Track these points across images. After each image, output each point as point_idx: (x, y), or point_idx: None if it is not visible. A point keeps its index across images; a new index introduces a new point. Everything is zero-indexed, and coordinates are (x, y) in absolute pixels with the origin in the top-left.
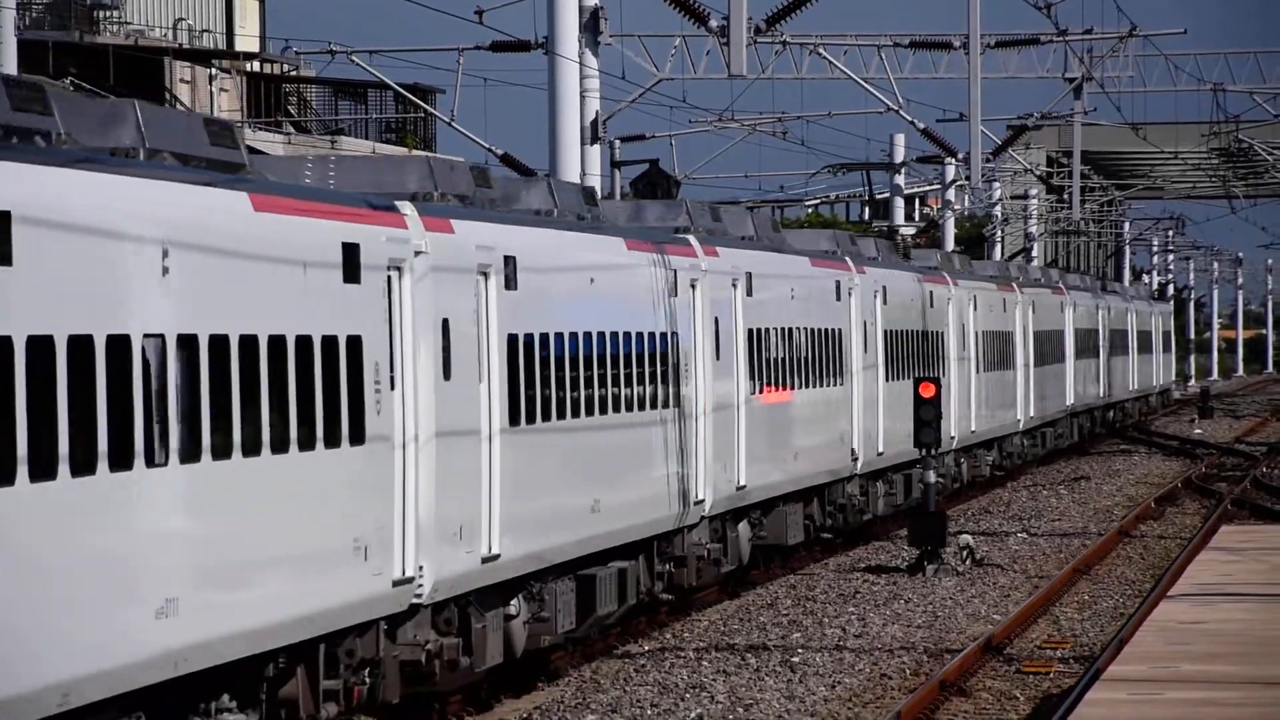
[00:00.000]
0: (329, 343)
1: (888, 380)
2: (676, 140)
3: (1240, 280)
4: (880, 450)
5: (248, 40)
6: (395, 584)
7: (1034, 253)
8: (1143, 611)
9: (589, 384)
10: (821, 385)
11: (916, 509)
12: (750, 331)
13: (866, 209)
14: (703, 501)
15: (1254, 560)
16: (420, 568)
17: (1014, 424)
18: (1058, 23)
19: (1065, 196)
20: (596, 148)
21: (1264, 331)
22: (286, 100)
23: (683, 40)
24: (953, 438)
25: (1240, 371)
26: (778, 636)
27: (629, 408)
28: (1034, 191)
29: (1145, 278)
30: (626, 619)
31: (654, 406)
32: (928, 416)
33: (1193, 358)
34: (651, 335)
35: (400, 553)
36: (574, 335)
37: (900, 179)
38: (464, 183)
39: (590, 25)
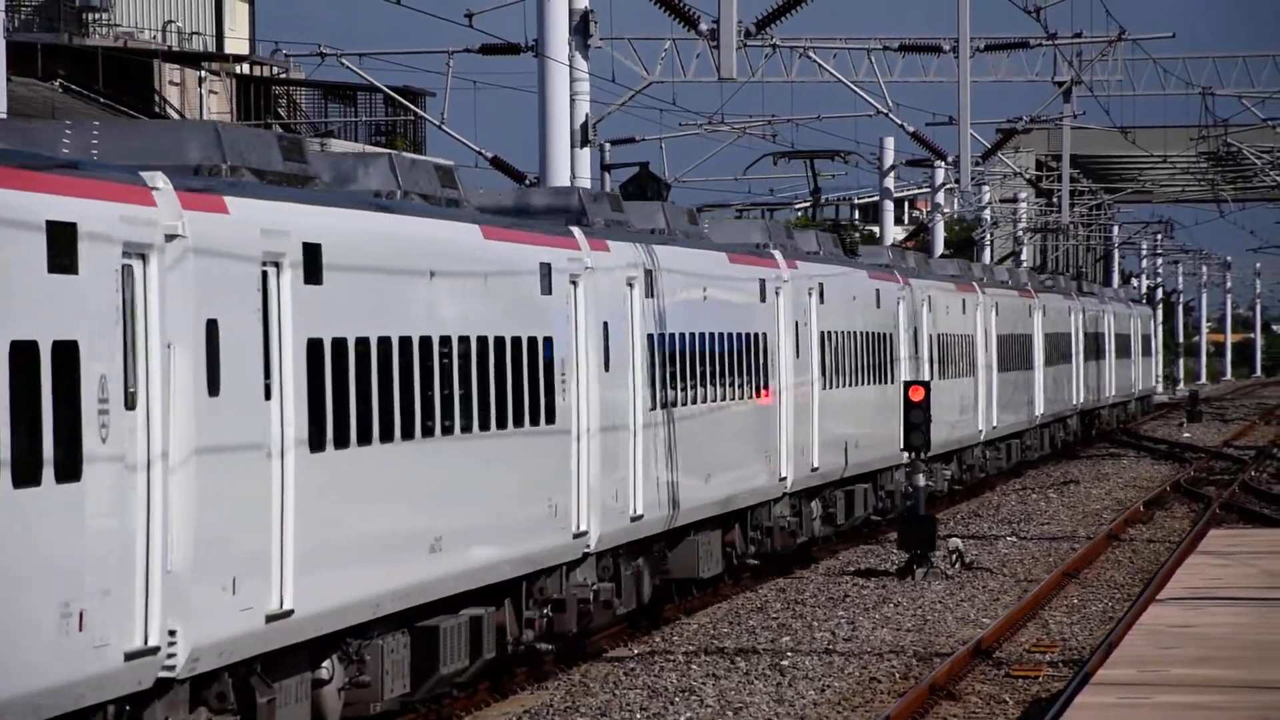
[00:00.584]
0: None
1: (826, 388)
2: (667, 143)
3: (1229, 284)
4: (815, 466)
5: (237, 42)
6: None
7: (1023, 256)
8: (1132, 615)
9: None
10: (743, 396)
11: (906, 513)
12: (651, 337)
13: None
14: (585, 534)
15: (1243, 564)
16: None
17: (974, 435)
18: (1047, 26)
19: (1054, 200)
20: (587, 151)
21: (1252, 335)
22: (276, 103)
23: (673, 43)
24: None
25: (1229, 375)
26: (767, 640)
27: (484, 426)
28: (1023, 195)
29: (1134, 281)
30: (488, 675)
31: (519, 424)
32: (917, 420)
33: (1181, 361)
34: (517, 340)
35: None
36: (404, 340)
37: (890, 181)
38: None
39: (580, 28)
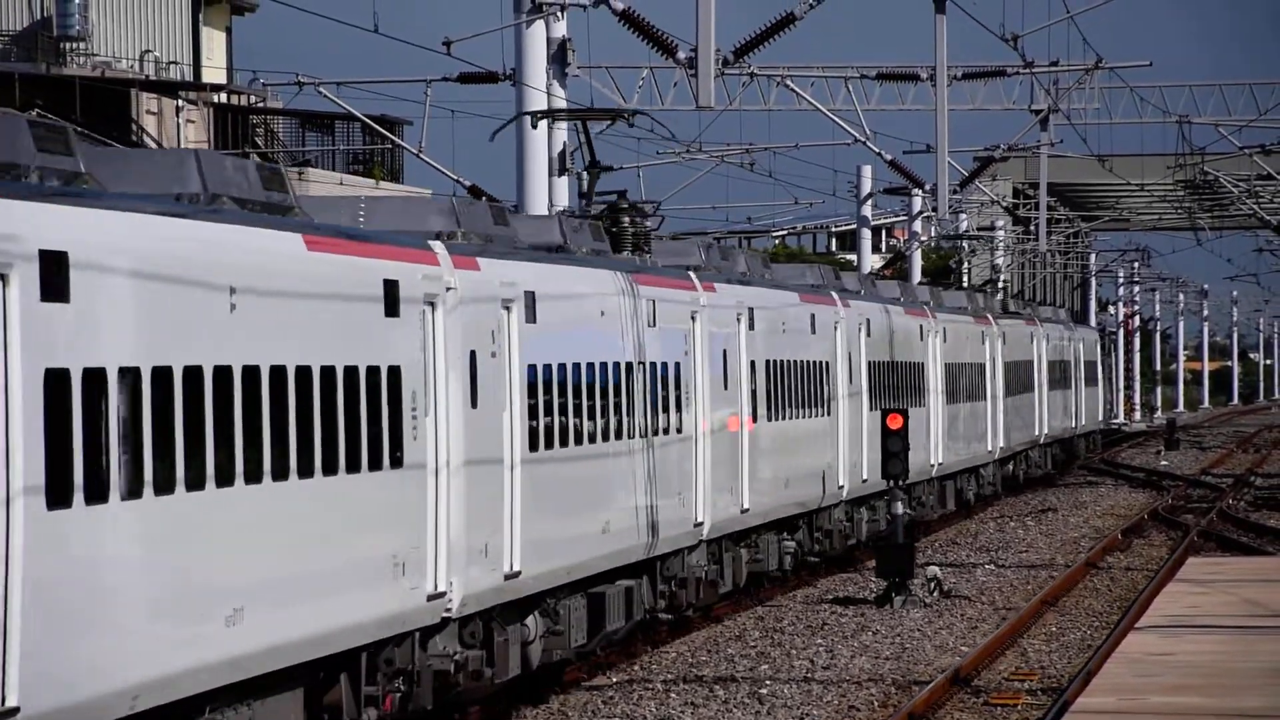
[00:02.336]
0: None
1: (756, 420)
2: (645, 171)
3: (1206, 312)
4: (745, 507)
5: (214, 72)
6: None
7: (1000, 284)
8: (1111, 643)
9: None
10: (654, 431)
11: (884, 540)
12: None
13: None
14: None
15: (1222, 592)
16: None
17: (817, 498)
18: (1024, 55)
19: (1031, 228)
20: (564, 179)
21: (1230, 363)
22: (253, 131)
23: (650, 71)
24: (738, 510)
25: (1206, 403)
26: (746, 668)
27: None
28: (1000, 223)
29: (1111, 308)
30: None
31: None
32: (895, 448)
33: (1159, 389)
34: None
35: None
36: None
37: (868, 209)
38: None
39: (558, 56)
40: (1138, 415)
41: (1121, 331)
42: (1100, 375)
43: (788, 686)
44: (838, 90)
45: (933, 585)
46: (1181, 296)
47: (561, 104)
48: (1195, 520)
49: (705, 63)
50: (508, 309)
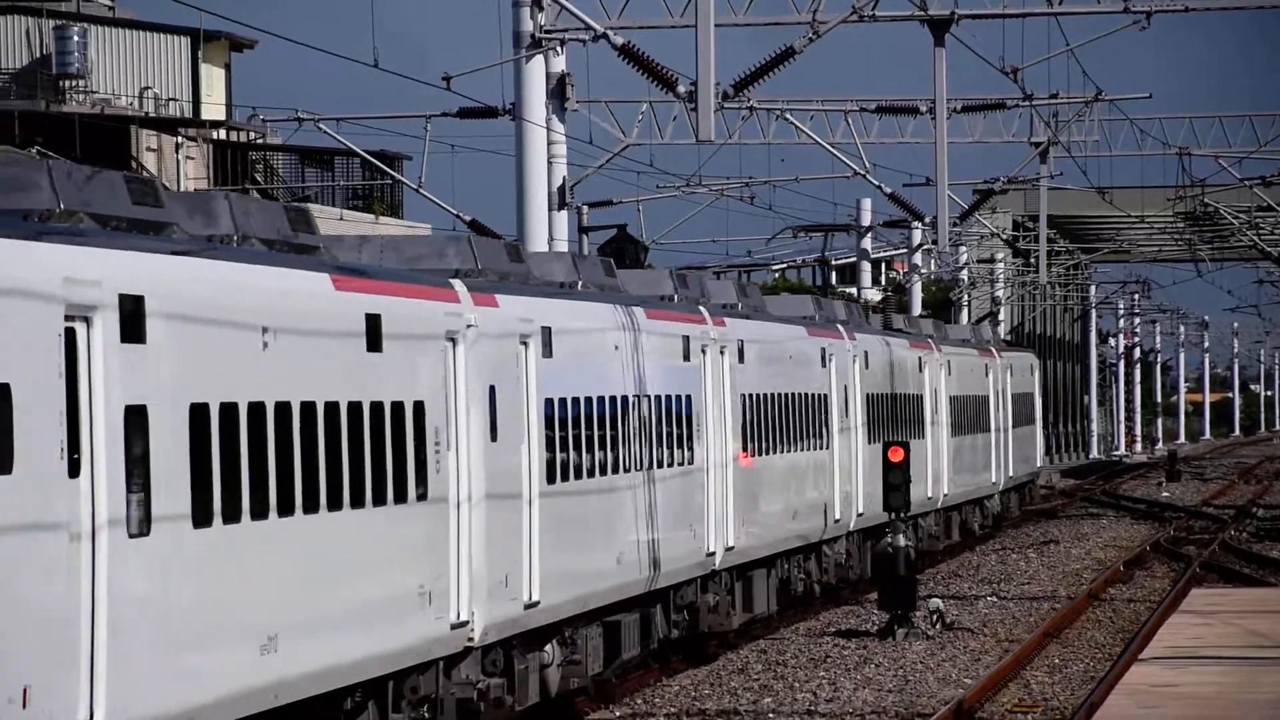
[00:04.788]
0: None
1: (663, 466)
2: (644, 205)
3: (1206, 344)
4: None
5: (214, 108)
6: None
7: (1000, 316)
8: (1114, 675)
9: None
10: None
11: (887, 573)
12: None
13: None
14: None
15: (1225, 623)
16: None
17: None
18: (1024, 87)
19: (1032, 260)
20: (564, 213)
21: (1230, 395)
22: (253, 168)
23: (650, 106)
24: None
25: (1207, 434)
26: (749, 701)
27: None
28: (1000, 255)
29: (1111, 340)
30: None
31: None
32: (896, 481)
33: (1159, 421)
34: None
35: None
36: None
37: (867, 243)
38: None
39: (557, 91)
40: (1139, 447)
41: (1122, 363)
42: (1038, 413)
43: (791, 719)
44: (837, 123)
45: (935, 618)
46: (1182, 328)
47: (561, 138)
48: (1197, 552)
49: (705, 97)
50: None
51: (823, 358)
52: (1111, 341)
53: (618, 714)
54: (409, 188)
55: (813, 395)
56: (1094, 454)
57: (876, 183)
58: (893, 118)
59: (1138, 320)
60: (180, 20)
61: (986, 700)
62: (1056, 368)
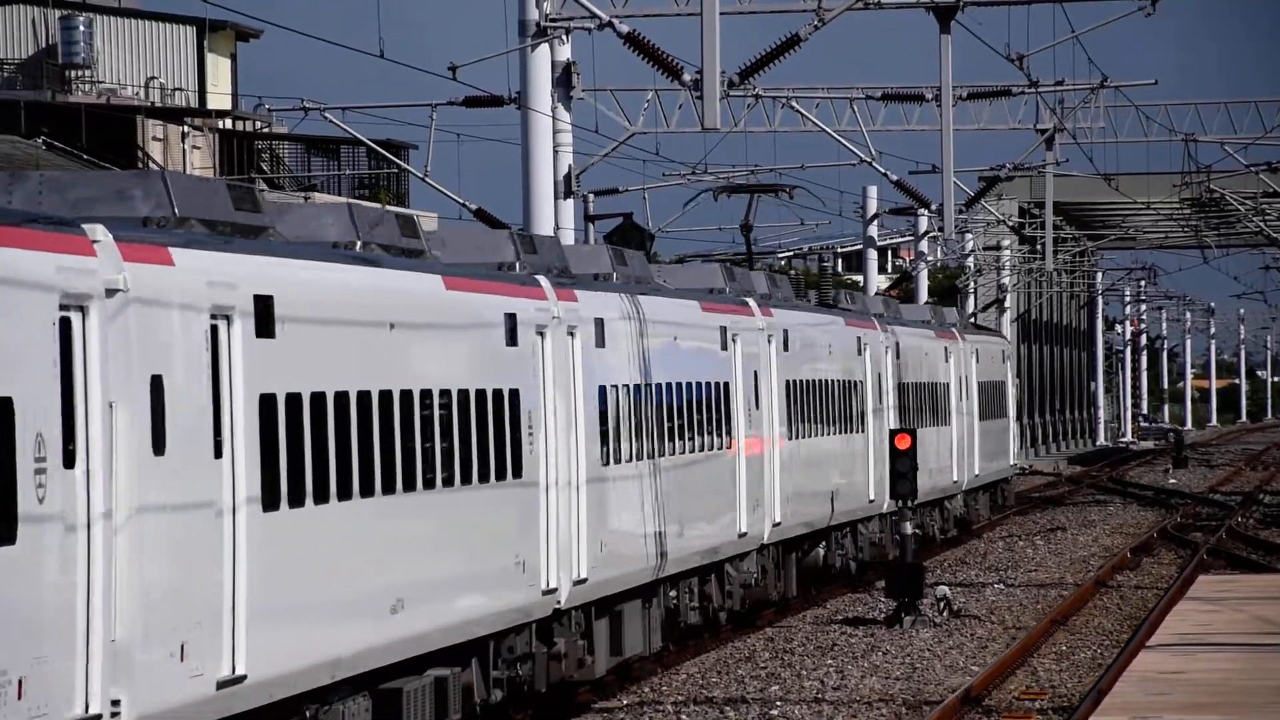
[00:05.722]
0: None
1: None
2: (650, 194)
3: (1213, 330)
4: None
5: (220, 98)
6: None
7: (1006, 304)
8: (1121, 662)
9: None
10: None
11: (894, 560)
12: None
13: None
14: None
15: (1232, 610)
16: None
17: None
18: (1029, 74)
19: (1038, 247)
20: (570, 202)
21: (1237, 381)
22: (259, 157)
23: (655, 94)
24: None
25: (1214, 421)
26: (756, 689)
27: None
28: (1006, 242)
29: (1118, 327)
30: None
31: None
32: (903, 468)
33: (1166, 407)
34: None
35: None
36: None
37: (873, 230)
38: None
39: (563, 80)
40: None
41: (1129, 350)
42: (1011, 404)
43: (798, 707)
44: (843, 111)
45: (942, 605)
46: (1188, 314)
47: (566, 127)
48: (1204, 538)
49: (710, 85)
50: (574, 334)
51: (724, 340)
52: (1118, 328)
53: (625, 702)
54: (415, 177)
55: (711, 384)
56: (1101, 441)
57: (882, 170)
58: (898, 105)
59: (1144, 307)
60: (186, 10)
61: (994, 688)
62: (1063, 354)
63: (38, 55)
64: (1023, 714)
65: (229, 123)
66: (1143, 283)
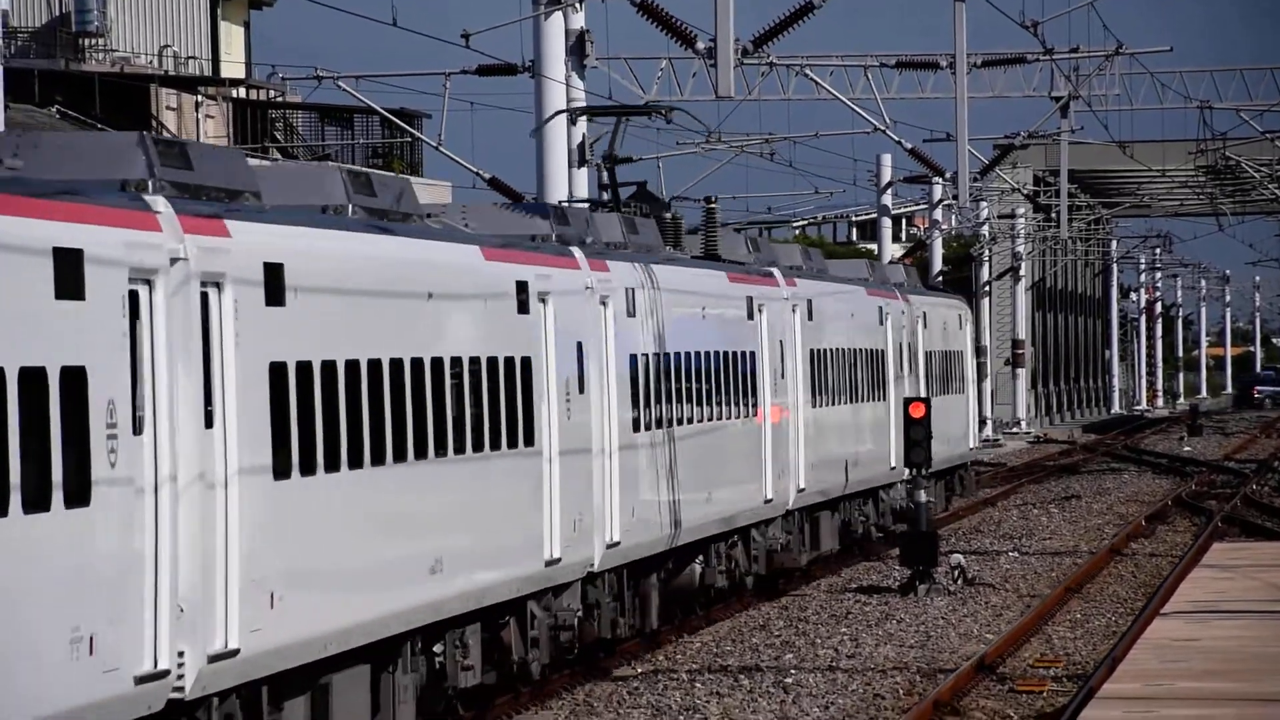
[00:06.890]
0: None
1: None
2: (664, 162)
3: (1228, 298)
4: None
5: (233, 66)
6: None
7: (1021, 271)
8: (1136, 629)
9: None
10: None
11: (907, 530)
12: (634, 357)
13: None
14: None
15: (1246, 577)
16: None
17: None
18: (1044, 41)
19: (1053, 215)
20: (584, 170)
21: (1252, 349)
22: (273, 126)
23: (669, 62)
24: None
25: (1229, 389)
26: (770, 657)
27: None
28: (1021, 210)
29: (1133, 295)
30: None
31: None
32: (918, 436)
33: (1181, 375)
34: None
35: None
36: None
37: (888, 198)
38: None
39: (576, 48)
40: (1160, 401)
41: (1143, 318)
42: (970, 377)
43: (812, 675)
44: (857, 79)
45: (956, 573)
46: (1204, 282)
47: (580, 95)
48: (1219, 506)
49: (724, 53)
50: (606, 304)
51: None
52: (1133, 296)
53: (639, 670)
54: (429, 145)
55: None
56: (1115, 409)
57: (897, 138)
58: (913, 73)
59: (1159, 275)
60: None
61: (1008, 655)
62: (1078, 322)
63: (51, 24)
64: (1037, 681)
65: (243, 92)
66: (1158, 250)
